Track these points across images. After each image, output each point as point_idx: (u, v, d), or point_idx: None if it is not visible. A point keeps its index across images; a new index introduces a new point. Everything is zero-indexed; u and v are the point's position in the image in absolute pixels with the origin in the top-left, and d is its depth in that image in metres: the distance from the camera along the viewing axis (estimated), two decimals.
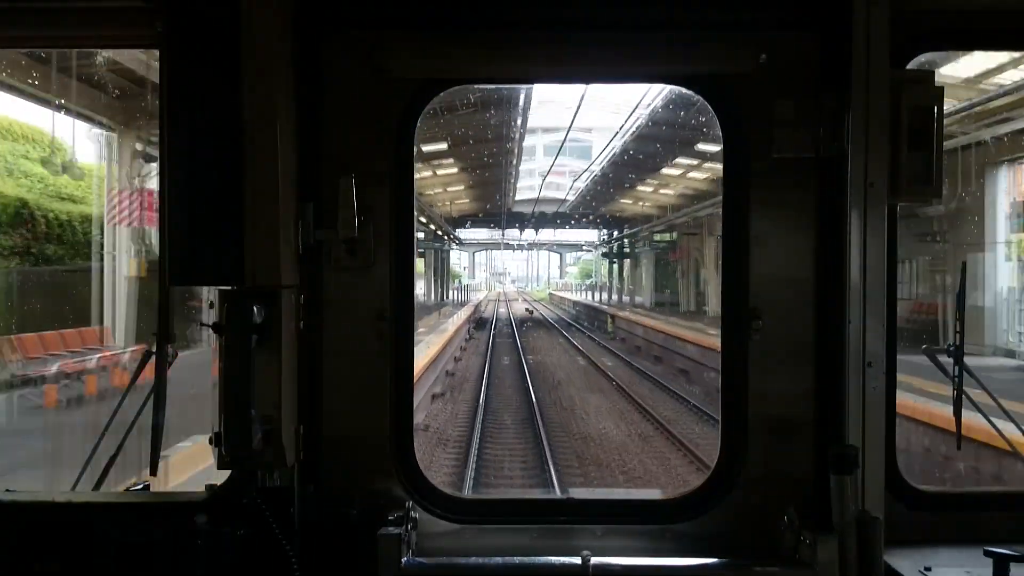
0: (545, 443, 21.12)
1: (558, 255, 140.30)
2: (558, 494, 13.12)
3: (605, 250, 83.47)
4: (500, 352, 43.29)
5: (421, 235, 50.14)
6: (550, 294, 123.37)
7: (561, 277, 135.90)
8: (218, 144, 3.13)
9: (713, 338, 28.31)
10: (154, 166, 19.91)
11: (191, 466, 10.67)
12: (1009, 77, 21.75)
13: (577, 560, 3.44)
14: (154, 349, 3.50)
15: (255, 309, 3.19)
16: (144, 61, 17.04)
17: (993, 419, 4.17)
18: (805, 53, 3.60)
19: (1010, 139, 23.97)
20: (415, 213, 3.84)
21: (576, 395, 29.70)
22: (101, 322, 20.43)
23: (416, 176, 3.83)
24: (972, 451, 12.71)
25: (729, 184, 3.74)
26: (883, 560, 3.32)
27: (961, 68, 21.00)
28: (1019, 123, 23.09)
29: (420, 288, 61.41)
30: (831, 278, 3.56)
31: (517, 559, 3.53)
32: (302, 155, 3.48)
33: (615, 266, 79.79)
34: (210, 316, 3.27)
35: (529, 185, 70.40)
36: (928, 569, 3.37)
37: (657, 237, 60.52)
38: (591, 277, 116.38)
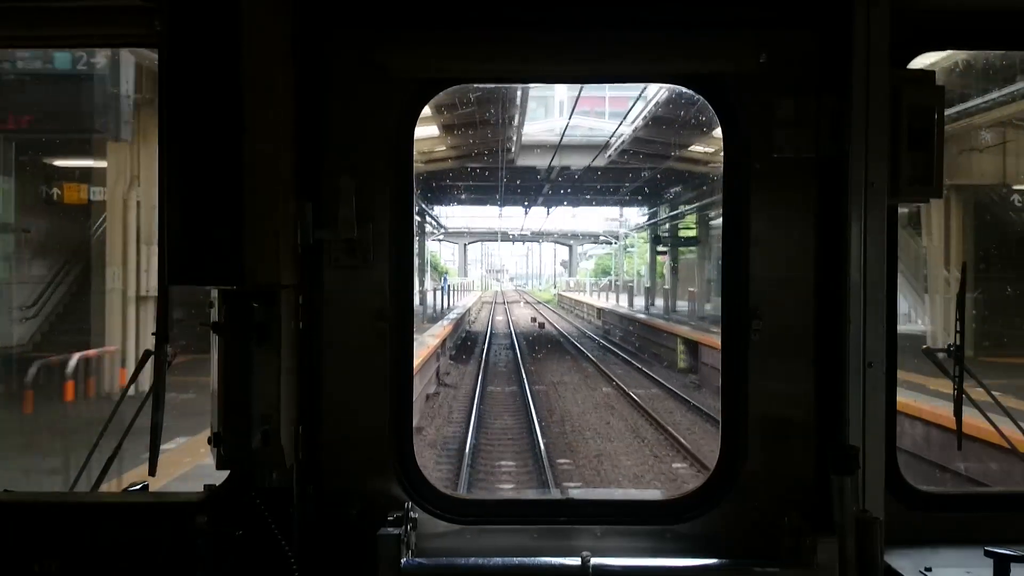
0: None
1: (566, 248, 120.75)
2: (557, 494, 12.08)
3: (653, 232, 55.83)
4: (494, 443, 19.56)
5: None
6: (558, 296, 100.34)
7: (571, 275, 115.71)
8: (218, 143, 3.11)
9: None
10: None
11: None
12: None
13: (577, 560, 3.43)
14: (153, 349, 3.49)
15: (255, 309, 3.19)
16: None
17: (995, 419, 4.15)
18: (805, 53, 3.61)
19: None
20: (414, 212, 3.80)
21: None
22: None
23: None
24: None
25: (729, 184, 3.74)
26: (883, 560, 3.33)
27: None
28: None
29: None
30: (831, 278, 3.58)
31: (517, 560, 3.53)
32: (302, 154, 3.50)
33: (661, 257, 53.30)
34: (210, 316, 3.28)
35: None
36: (928, 569, 3.38)
37: None
38: (608, 274, 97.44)
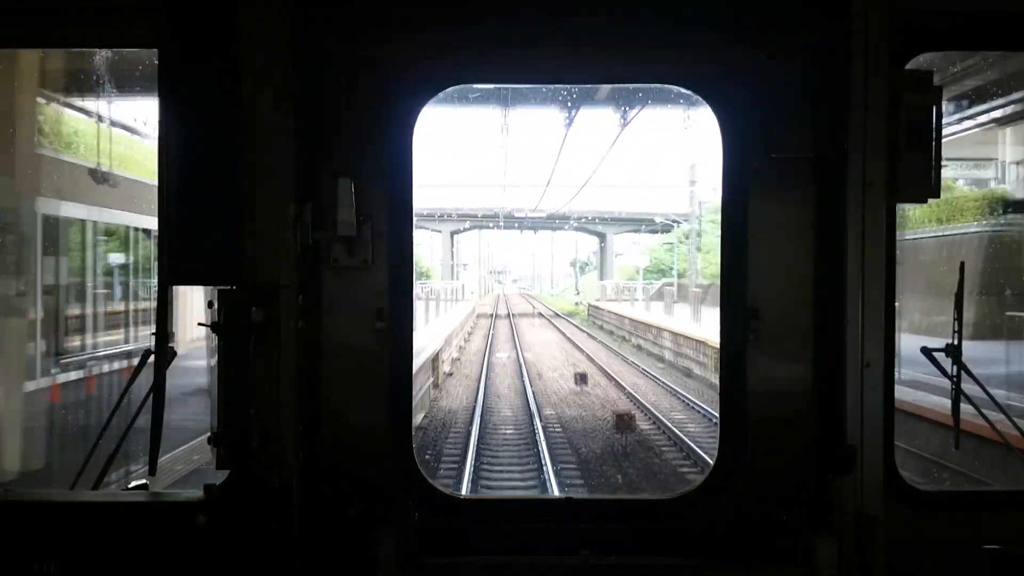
0: None
1: (595, 238, 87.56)
2: (557, 494, 11.20)
3: None
4: None
5: None
6: (590, 307, 66.34)
7: (603, 277, 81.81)
8: (217, 144, 3.14)
9: None
10: None
11: None
12: None
13: (576, 560, 3.45)
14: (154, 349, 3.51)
15: (254, 309, 3.19)
16: None
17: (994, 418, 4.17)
18: (804, 53, 3.62)
19: None
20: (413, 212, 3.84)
21: None
22: None
23: None
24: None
25: (728, 184, 3.74)
26: (882, 559, 3.35)
27: None
28: None
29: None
30: (830, 278, 3.58)
31: (516, 559, 3.55)
32: (301, 155, 3.49)
33: None
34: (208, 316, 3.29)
35: None
36: (927, 568, 3.42)
37: None
38: (664, 275, 65.52)
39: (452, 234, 78.49)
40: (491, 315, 63.74)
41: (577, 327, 55.60)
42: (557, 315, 66.94)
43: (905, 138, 3.43)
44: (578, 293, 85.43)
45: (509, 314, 64.28)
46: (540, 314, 67.14)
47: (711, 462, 9.83)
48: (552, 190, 57.85)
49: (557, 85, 18.83)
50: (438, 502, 3.69)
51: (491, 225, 74.33)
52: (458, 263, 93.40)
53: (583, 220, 73.29)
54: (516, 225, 76.25)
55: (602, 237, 78.19)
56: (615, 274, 77.21)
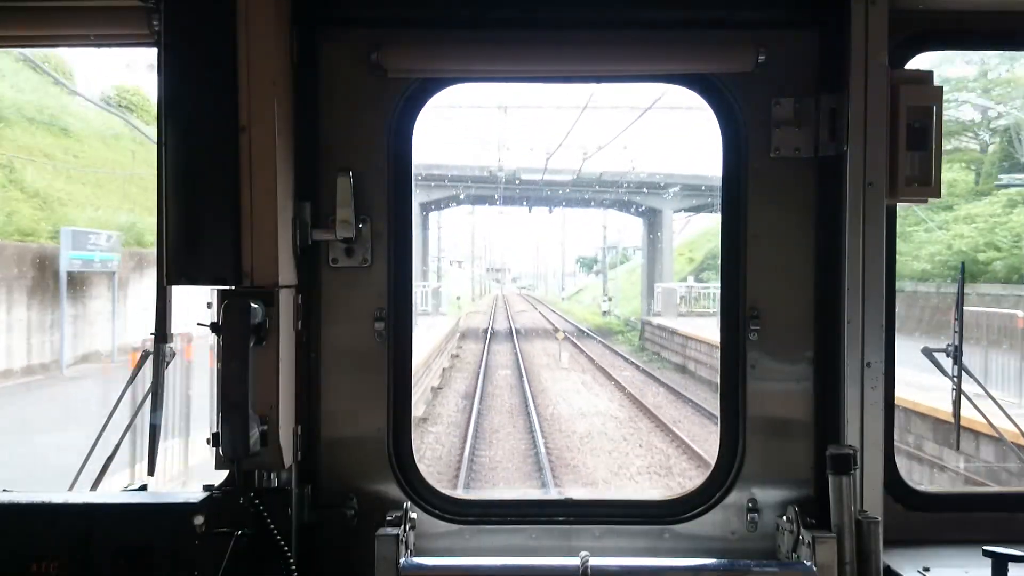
0: None
1: (641, 220, 60.86)
2: (556, 494, 11.40)
3: None
4: None
5: None
6: (644, 328, 42.54)
7: (653, 278, 55.42)
8: (216, 142, 3.16)
9: None
10: None
11: None
12: None
13: (576, 560, 3.42)
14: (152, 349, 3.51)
15: (253, 309, 3.18)
16: None
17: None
18: (804, 53, 3.62)
19: None
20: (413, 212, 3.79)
21: None
22: None
23: None
24: None
25: (728, 184, 3.74)
26: (882, 560, 3.34)
27: None
28: None
29: None
30: (829, 278, 3.59)
31: (515, 560, 3.54)
32: (300, 154, 3.52)
33: None
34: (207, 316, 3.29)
35: None
36: (927, 569, 3.38)
37: None
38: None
39: (425, 211, 52.55)
40: (485, 332, 43.93)
41: (645, 371, 31.22)
42: (585, 334, 45.19)
43: (905, 138, 3.44)
44: (608, 299, 60.33)
45: (511, 330, 45.96)
46: (566, 335, 42.69)
47: None
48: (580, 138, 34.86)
49: (558, 84, 13.64)
50: (437, 502, 3.69)
51: (486, 194, 48.96)
52: (443, 256, 68.56)
53: (626, 187, 47.53)
54: (522, 199, 50.88)
55: (652, 216, 52.11)
56: (670, 273, 51.34)
